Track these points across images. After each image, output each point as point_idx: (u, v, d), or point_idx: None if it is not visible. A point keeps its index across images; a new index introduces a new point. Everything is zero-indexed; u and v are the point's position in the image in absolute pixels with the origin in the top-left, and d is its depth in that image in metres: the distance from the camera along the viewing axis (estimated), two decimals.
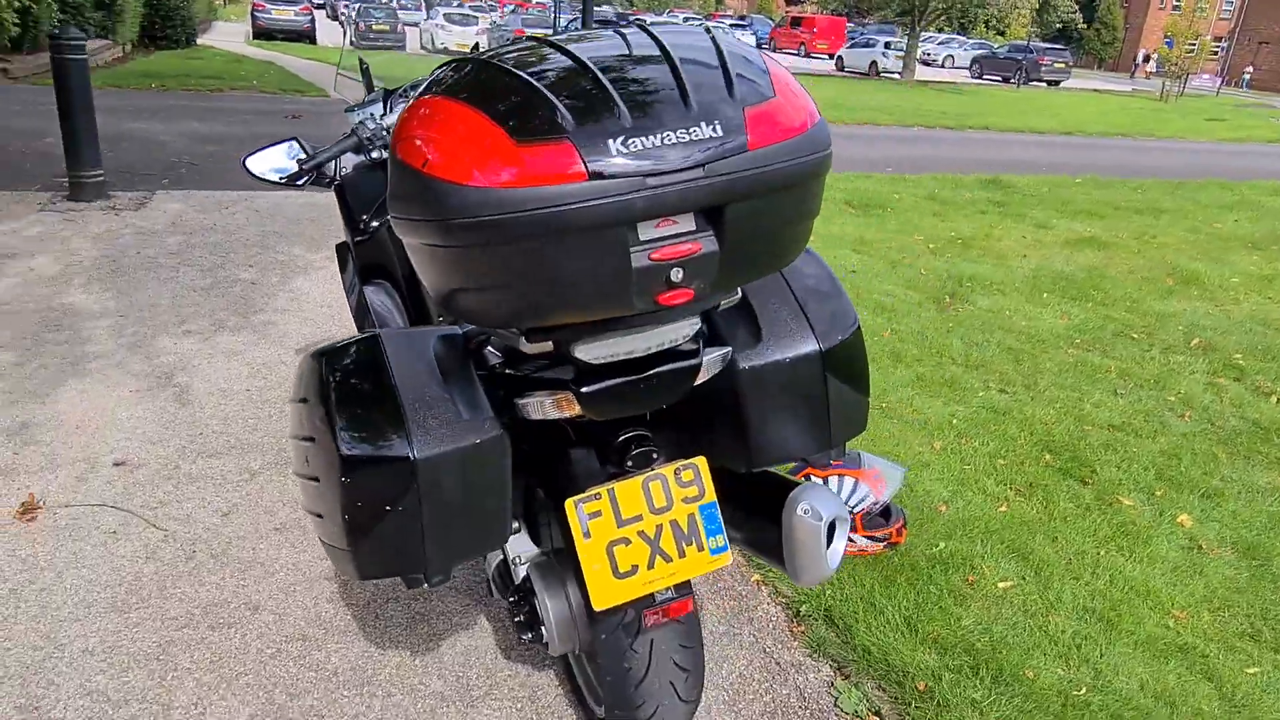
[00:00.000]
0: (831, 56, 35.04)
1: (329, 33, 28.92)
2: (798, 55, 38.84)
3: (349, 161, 2.56)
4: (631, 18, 33.25)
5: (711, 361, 1.43)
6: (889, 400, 3.65)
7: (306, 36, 26.18)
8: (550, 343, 1.24)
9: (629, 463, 1.46)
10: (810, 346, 1.49)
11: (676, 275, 1.07)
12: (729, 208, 1.06)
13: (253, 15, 26.90)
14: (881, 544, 2.55)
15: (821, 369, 1.50)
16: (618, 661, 1.59)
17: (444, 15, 27.41)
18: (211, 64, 15.77)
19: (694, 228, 1.07)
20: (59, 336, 3.63)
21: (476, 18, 28.93)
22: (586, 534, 1.44)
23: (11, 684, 1.93)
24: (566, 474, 1.50)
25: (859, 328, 1.55)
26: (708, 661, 2.15)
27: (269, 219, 5.61)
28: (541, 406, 1.34)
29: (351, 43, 26.88)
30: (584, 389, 1.30)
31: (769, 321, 1.50)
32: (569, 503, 1.43)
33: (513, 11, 34.97)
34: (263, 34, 25.94)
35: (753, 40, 37.11)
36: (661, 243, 1.05)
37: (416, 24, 30.34)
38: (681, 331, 1.31)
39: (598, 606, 1.44)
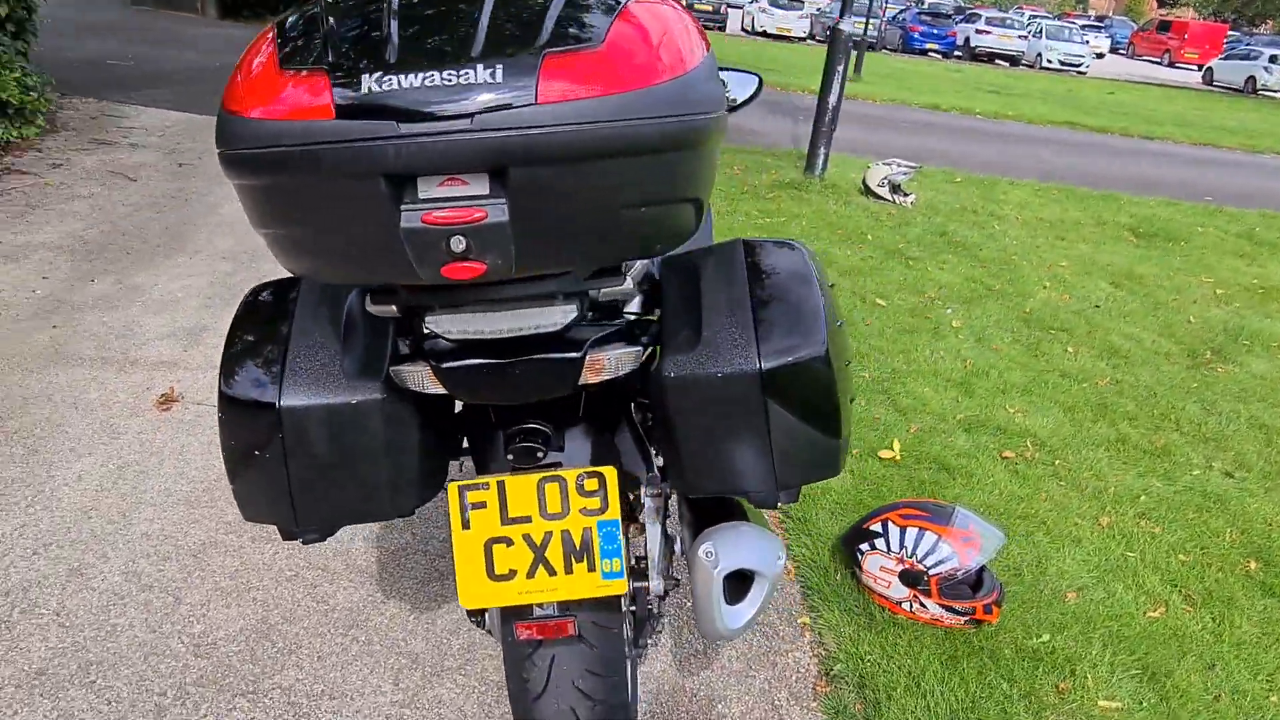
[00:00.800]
0: (1200, 68, 30.78)
1: None
2: (1159, 63, 34.57)
3: None
4: (969, 12, 31.19)
5: (620, 359, 1.24)
6: (1065, 458, 3.11)
7: None
8: (393, 307, 1.13)
9: (509, 456, 1.31)
10: (748, 364, 1.24)
11: (458, 244, 0.91)
12: (513, 172, 0.88)
13: None
14: (963, 618, 2.17)
15: (760, 393, 1.25)
16: (518, 669, 1.46)
17: None
18: None
19: (485, 191, 0.90)
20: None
21: (803, 2, 28.63)
22: (466, 524, 1.32)
23: (76, 548, 2.17)
24: (459, 456, 1.38)
25: (827, 353, 1.27)
26: (703, 697, 1.95)
27: None
28: (418, 378, 1.24)
29: None
30: (442, 364, 1.17)
31: (712, 325, 1.28)
32: (452, 487, 1.32)
33: None
34: None
35: (1106, 44, 33.54)
36: (439, 204, 0.90)
37: (742, 5, 30.58)
38: (550, 318, 1.14)
39: (464, 604, 1.32)
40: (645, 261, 1.28)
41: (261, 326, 1.30)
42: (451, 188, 0.91)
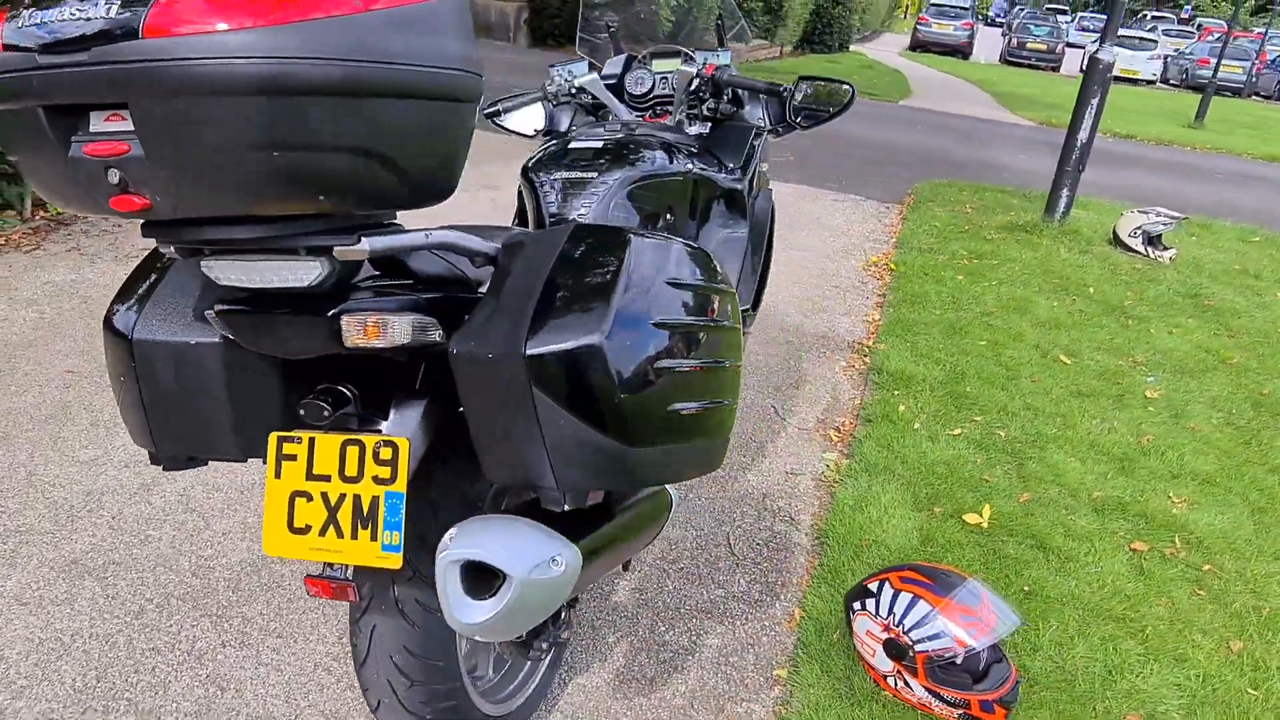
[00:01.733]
0: None
1: (988, 49, 28.58)
2: None
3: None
4: None
5: (399, 327, 1.23)
6: (1221, 564, 2.54)
7: (960, 51, 26.20)
8: (173, 248, 1.20)
9: (301, 411, 1.34)
10: (515, 347, 1.18)
11: (113, 177, 0.96)
12: (134, 107, 0.92)
13: (915, 28, 27.78)
14: (955, 711, 1.86)
15: (526, 380, 1.19)
16: (351, 633, 1.49)
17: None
18: (839, 67, 16.78)
19: (132, 127, 0.95)
20: None
21: (1155, 42, 25.82)
22: (277, 474, 1.37)
23: (156, 469, 2.51)
24: (284, 406, 1.43)
25: (603, 347, 1.18)
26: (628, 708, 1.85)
27: None
28: (219, 322, 1.30)
29: (1003, 58, 26.26)
30: (218, 308, 1.23)
31: (501, 306, 1.24)
32: (273, 436, 1.37)
33: (1218, 40, 30.25)
34: (918, 46, 26.66)
35: None
36: (100, 137, 0.96)
37: (1083, 45, 28.19)
38: (296, 273, 1.16)
39: (265, 551, 1.37)
40: (445, 233, 1.26)
41: (151, 267, 1.44)
42: (113, 123, 0.97)
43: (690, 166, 2.22)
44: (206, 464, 1.50)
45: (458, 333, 1.24)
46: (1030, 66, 24.92)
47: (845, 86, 2.53)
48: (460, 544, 1.21)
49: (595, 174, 2.04)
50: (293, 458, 1.36)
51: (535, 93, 2.50)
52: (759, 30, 19.25)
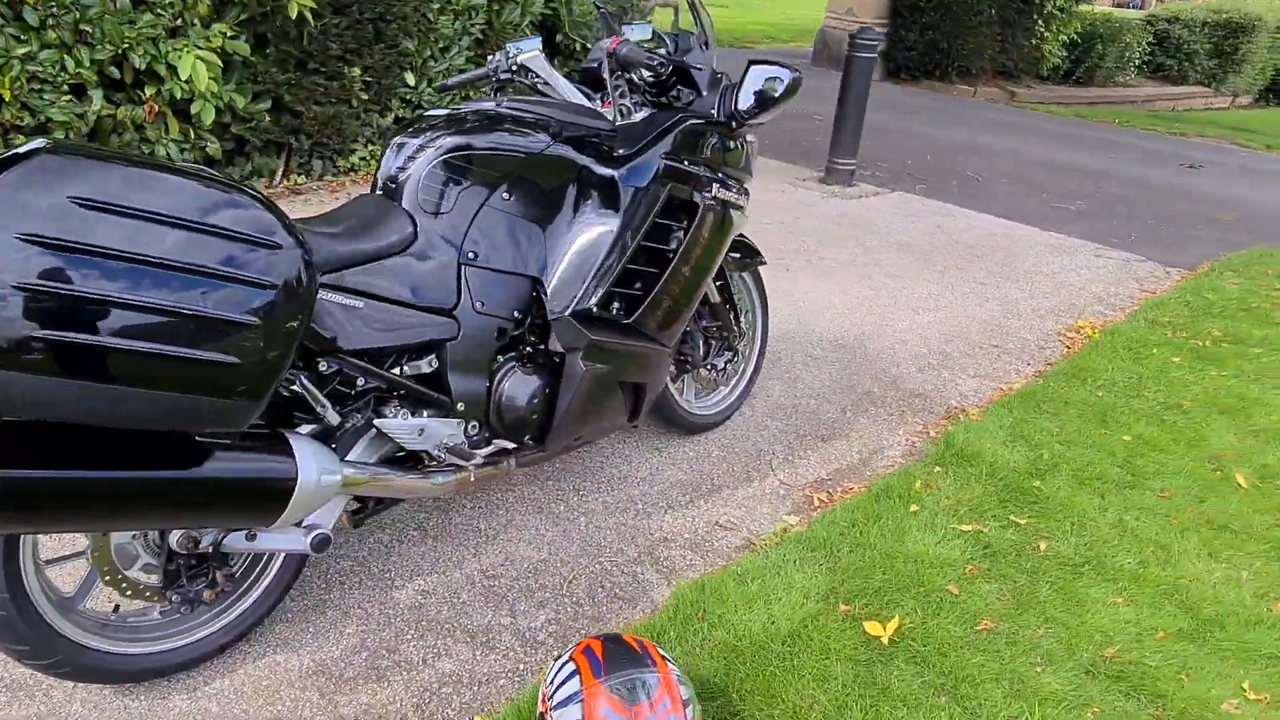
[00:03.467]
0: None
1: None
2: None
3: None
4: None
5: None
6: None
7: None
8: None
9: None
10: None
11: None
12: None
13: None
14: None
15: None
16: None
17: None
18: None
19: None
20: None
21: None
22: None
23: None
24: None
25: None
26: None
27: (948, 243, 5.19)
28: None
29: None
30: None
31: None
32: None
33: None
34: None
35: None
36: None
37: None
38: None
39: None
40: None
41: None
42: None
43: (536, 146, 2.03)
44: None
45: None
46: None
47: (785, 72, 2.12)
48: None
49: (422, 141, 1.96)
50: None
51: (478, 70, 2.43)
52: (1201, 75, 16.55)
